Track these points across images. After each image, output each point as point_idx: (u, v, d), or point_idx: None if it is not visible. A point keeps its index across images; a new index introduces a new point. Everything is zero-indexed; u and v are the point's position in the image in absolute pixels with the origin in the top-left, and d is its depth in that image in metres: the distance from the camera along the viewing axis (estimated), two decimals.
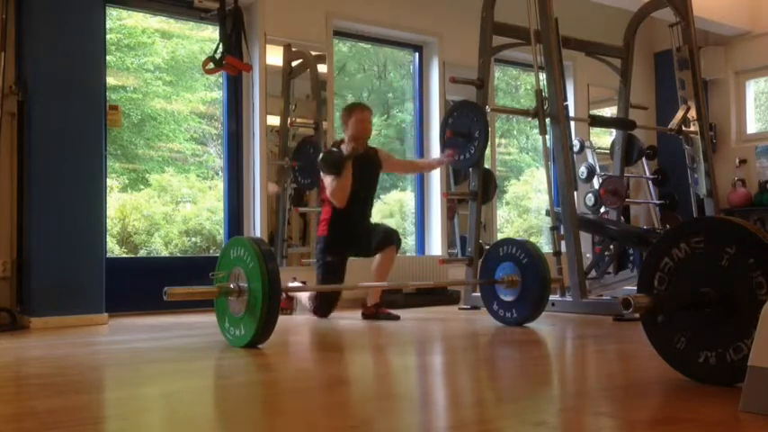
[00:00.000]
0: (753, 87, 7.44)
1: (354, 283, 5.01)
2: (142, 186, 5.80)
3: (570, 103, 6.60)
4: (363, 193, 4.50)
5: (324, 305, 4.47)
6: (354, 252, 4.60)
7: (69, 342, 3.40)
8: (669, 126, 5.43)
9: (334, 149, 4.49)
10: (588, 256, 5.99)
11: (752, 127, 7.40)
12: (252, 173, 5.27)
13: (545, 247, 6.53)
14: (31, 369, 2.71)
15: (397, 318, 4.33)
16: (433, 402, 2.11)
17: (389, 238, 4.44)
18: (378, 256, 4.44)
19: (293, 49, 5.38)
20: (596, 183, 6.30)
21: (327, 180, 4.37)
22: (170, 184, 5.87)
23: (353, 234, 4.47)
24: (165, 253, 5.63)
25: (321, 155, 4.52)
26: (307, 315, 4.62)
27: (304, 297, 4.60)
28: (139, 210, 5.68)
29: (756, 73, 7.34)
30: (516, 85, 7.73)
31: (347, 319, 4.42)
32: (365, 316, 4.42)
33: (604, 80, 6.47)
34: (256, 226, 5.20)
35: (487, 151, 5.30)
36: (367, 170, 4.50)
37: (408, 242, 6.33)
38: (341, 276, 4.49)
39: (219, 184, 5.60)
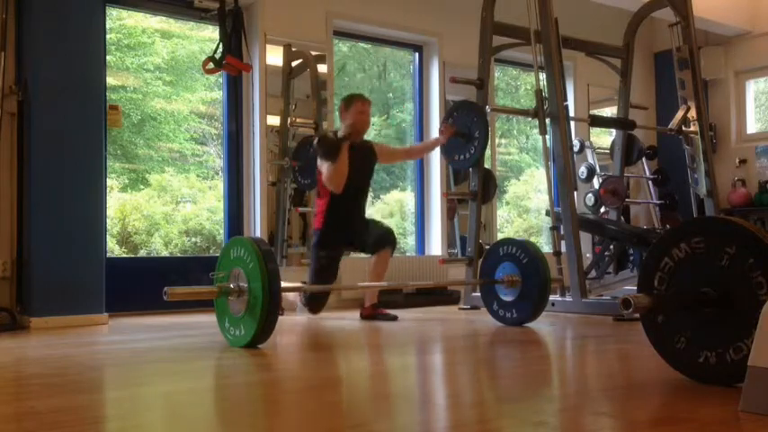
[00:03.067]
0: (753, 87, 7.44)
1: (353, 283, 5.02)
2: (142, 186, 5.79)
3: (570, 103, 6.59)
4: (358, 185, 4.43)
5: (313, 302, 4.43)
6: (350, 246, 4.55)
7: (69, 342, 3.40)
8: (669, 126, 5.43)
9: (330, 134, 4.46)
10: (588, 256, 5.99)
11: (752, 127, 7.40)
12: (252, 173, 5.27)
13: (545, 247, 6.53)
14: (31, 369, 2.71)
15: (394, 318, 4.32)
16: (432, 402, 2.11)
17: (384, 240, 4.39)
18: (373, 258, 4.40)
19: (293, 49, 5.38)
20: (596, 183, 6.29)
21: (324, 166, 4.30)
22: (170, 184, 5.87)
23: (349, 227, 4.42)
24: (165, 253, 5.63)
25: (317, 138, 4.46)
26: (306, 315, 4.62)
27: (291, 296, 4.56)
28: (139, 210, 5.68)
29: (756, 73, 7.34)
30: (516, 85, 7.73)
31: (347, 320, 4.42)
32: (363, 317, 4.41)
33: (604, 80, 6.47)
34: (256, 226, 5.20)
35: (487, 151, 5.30)
36: (362, 162, 4.45)
37: (408, 242, 6.33)
38: (333, 273, 4.45)
39: (219, 184, 5.60)
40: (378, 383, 2.47)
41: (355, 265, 5.23)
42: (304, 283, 4.75)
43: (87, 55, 4.30)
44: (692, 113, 5.37)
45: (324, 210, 4.40)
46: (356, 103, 4.43)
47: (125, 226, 5.63)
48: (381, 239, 4.40)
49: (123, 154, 5.71)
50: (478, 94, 5.00)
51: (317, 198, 4.51)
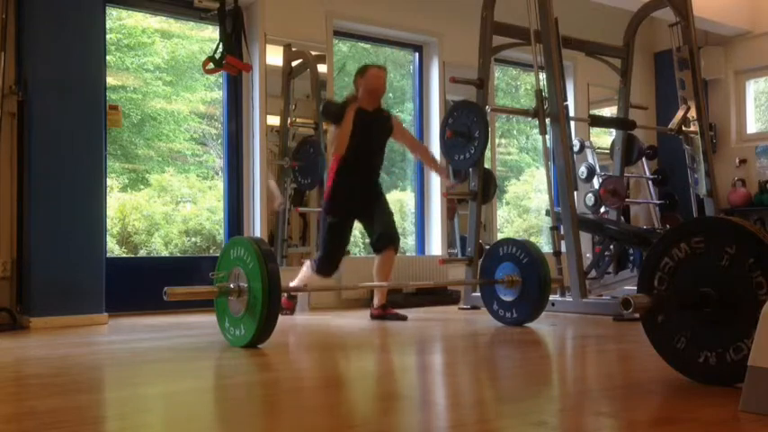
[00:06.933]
0: (753, 87, 7.44)
1: (353, 283, 5.02)
2: (142, 186, 5.80)
3: (570, 103, 6.59)
4: (370, 149, 4.38)
5: (327, 263, 4.35)
6: (358, 214, 4.43)
7: (69, 342, 3.40)
8: (669, 126, 5.43)
9: (338, 102, 4.46)
10: (588, 256, 5.99)
11: (752, 127, 7.40)
12: (252, 173, 5.27)
13: (545, 247, 6.53)
14: (31, 369, 2.71)
15: (404, 318, 4.31)
16: (432, 402, 2.11)
17: (388, 240, 4.35)
18: (378, 258, 4.37)
19: (293, 49, 5.38)
20: (596, 183, 6.29)
21: (331, 129, 4.35)
22: (170, 184, 5.87)
23: (358, 191, 4.35)
24: (165, 253, 5.63)
25: (322, 104, 4.51)
26: (307, 314, 4.62)
27: (305, 269, 4.47)
28: (139, 210, 5.68)
29: (756, 73, 7.34)
30: (516, 85, 7.73)
31: (347, 319, 4.42)
32: (374, 317, 4.40)
33: (604, 80, 6.47)
34: (256, 226, 5.20)
35: (487, 151, 5.30)
36: (376, 128, 4.40)
37: (408, 242, 6.33)
38: (344, 240, 4.40)
39: (219, 184, 5.60)
40: (378, 383, 2.47)
41: (356, 265, 5.23)
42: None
43: (87, 55, 4.30)
44: (692, 113, 5.37)
45: (335, 172, 4.35)
46: (371, 69, 4.41)
47: (125, 226, 5.64)
48: (385, 238, 4.35)
49: (123, 154, 5.71)
50: (478, 94, 5.00)
51: (331, 163, 4.46)
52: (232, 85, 5.34)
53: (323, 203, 4.44)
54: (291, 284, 4.37)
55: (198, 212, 5.89)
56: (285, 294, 4.44)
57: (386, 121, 4.47)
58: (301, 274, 4.47)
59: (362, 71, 4.43)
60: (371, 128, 4.36)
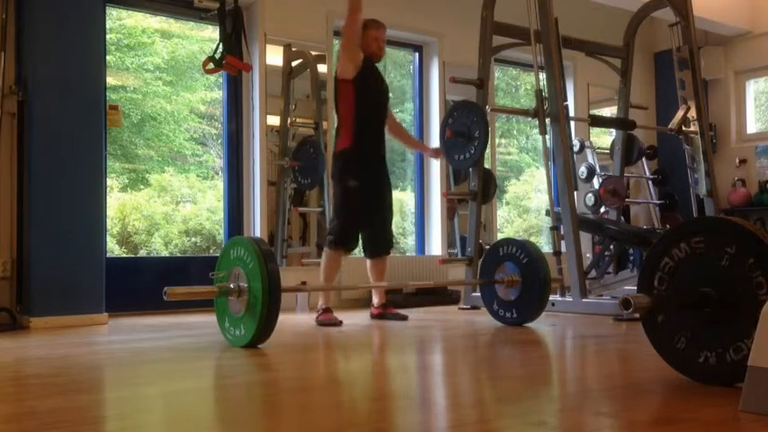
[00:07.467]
0: (753, 87, 7.44)
1: (353, 283, 5.02)
2: (142, 186, 5.80)
3: (570, 103, 6.60)
4: (379, 107, 4.23)
5: (346, 232, 4.08)
6: (367, 186, 4.13)
7: (69, 342, 3.40)
8: (669, 126, 5.43)
9: None
10: (588, 256, 5.99)
11: (752, 127, 7.40)
12: (252, 173, 5.27)
13: (545, 247, 6.53)
14: (31, 369, 2.71)
15: (404, 318, 4.30)
16: (432, 402, 2.11)
17: (383, 249, 4.32)
18: (370, 262, 4.34)
19: (293, 49, 5.38)
20: (596, 183, 6.29)
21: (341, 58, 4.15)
22: (170, 184, 5.87)
23: (373, 162, 4.19)
24: (165, 253, 5.63)
25: None
26: (307, 314, 4.62)
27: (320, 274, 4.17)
28: (139, 210, 5.68)
29: (756, 73, 7.34)
30: (516, 85, 7.73)
31: (347, 319, 4.42)
32: (374, 316, 4.39)
33: (604, 80, 6.47)
34: (256, 226, 5.20)
35: (487, 151, 5.30)
36: (380, 86, 4.29)
37: (408, 242, 6.33)
38: (362, 207, 4.13)
39: (219, 184, 5.60)
40: (378, 383, 2.47)
41: (356, 265, 5.23)
42: (304, 283, 4.75)
43: (87, 55, 4.30)
44: (692, 113, 5.37)
45: (351, 127, 4.10)
46: (370, 30, 4.23)
47: (125, 226, 5.64)
48: (381, 246, 4.32)
49: (123, 154, 5.71)
50: (478, 94, 5.00)
51: (339, 127, 4.20)
52: (232, 85, 5.34)
53: (338, 165, 4.16)
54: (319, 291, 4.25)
55: (198, 212, 5.89)
56: (321, 309, 4.13)
57: (386, 86, 4.38)
58: (322, 266, 4.22)
59: (362, 28, 4.22)
60: (379, 87, 4.27)
